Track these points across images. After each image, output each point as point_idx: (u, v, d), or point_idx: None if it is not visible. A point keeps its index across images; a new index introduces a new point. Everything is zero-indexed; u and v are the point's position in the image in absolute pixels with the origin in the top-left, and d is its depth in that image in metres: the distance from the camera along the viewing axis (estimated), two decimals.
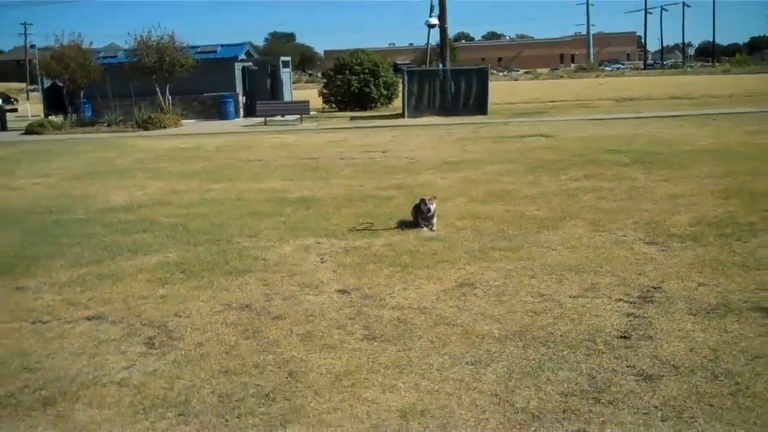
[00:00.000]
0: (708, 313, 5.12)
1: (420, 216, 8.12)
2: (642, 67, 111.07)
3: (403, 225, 8.28)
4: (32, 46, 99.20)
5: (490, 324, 5.04)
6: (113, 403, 4.03)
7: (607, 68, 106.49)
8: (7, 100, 55.31)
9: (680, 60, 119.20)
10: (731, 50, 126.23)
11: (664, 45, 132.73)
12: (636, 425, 3.57)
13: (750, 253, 6.62)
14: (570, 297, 5.58)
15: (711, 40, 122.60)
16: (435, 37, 37.43)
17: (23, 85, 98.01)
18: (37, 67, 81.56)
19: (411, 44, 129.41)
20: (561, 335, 4.80)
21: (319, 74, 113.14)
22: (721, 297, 5.44)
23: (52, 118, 30.66)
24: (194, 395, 4.08)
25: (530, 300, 5.55)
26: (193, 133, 25.04)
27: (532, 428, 3.59)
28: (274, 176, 13.17)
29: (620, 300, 5.47)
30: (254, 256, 7.18)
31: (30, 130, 28.01)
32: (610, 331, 4.84)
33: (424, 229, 8.03)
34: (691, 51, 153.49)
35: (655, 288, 5.73)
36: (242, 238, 8.01)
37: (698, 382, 4.02)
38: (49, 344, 4.99)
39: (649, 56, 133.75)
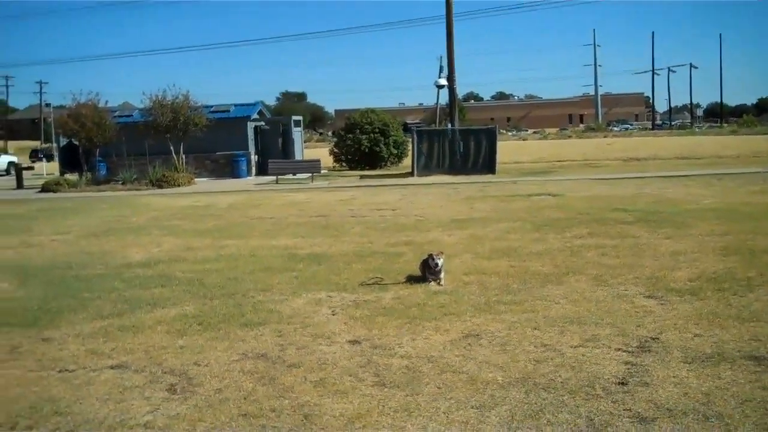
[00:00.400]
0: (703, 361, 5.38)
1: (428, 270, 8.42)
2: (650, 127, 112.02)
3: (412, 279, 8.58)
4: (47, 105, 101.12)
5: (494, 372, 5.31)
6: None
7: (616, 128, 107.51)
8: (50, 156, 55.76)
9: (688, 120, 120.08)
10: (739, 111, 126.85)
11: (673, 105, 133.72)
12: None
13: (746, 306, 6.89)
14: (571, 347, 5.85)
15: (718, 100, 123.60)
16: (444, 97, 38.17)
17: (37, 143, 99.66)
18: (52, 125, 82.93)
19: (421, 104, 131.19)
20: (562, 382, 5.05)
21: (330, 133, 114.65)
22: (715, 347, 5.70)
23: (67, 176, 31.26)
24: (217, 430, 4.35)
25: (533, 350, 5.81)
26: (206, 192, 25.52)
27: None
28: (286, 233, 13.51)
29: (619, 349, 5.73)
30: (268, 309, 7.47)
31: (46, 188, 28.58)
32: (608, 378, 5.10)
33: (432, 283, 8.32)
34: (699, 112, 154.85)
35: (653, 339, 5.99)
36: (256, 293, 8.31)
37: (690, 423, 4.27)
38: (76, 391, 5.27)
39: (658, 117, 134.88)
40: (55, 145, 39.77)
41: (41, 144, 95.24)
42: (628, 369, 5.28)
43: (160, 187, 27.83)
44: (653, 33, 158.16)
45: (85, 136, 29.96)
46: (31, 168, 36.72)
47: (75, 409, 4.91)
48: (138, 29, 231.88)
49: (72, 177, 30.66)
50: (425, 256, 8.60)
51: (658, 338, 6.00)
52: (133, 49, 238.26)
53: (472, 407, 4.66)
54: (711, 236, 11.15)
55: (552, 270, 9.02)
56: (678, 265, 8.96)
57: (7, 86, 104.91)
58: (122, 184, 29.02)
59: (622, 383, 5.00)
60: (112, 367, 5.78)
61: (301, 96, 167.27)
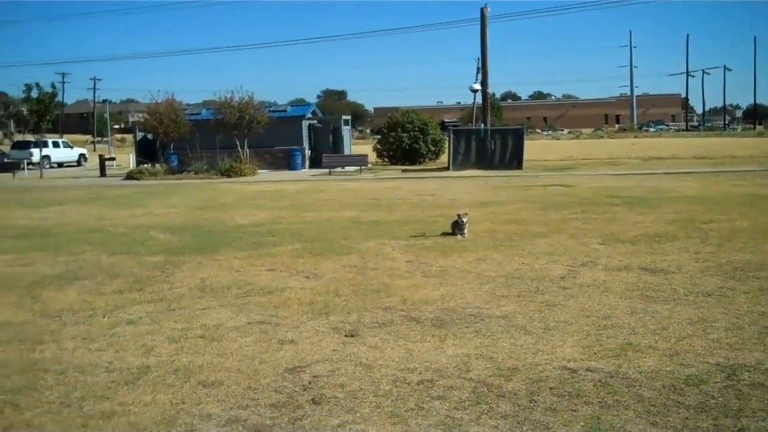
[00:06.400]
0: (613, 270, 9.24)
1: (456, 227, 12.34)
2: (684, 128, 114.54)
3: (445, 234, 12.51)
4: (104, 101, 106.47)
5: (490, 272, 9.24)
6: (302, 293, 8.30)
7: (651, 129, 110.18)
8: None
9: (720, 122, 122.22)
10: None
11: (712, 107, 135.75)
12: (551, 296, 7.71)
13: (659, 248, 10.71)
14: (539, 264, 9.75)
15: (757, 102, 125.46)
16: (480, 99, 41.97)
17: (87, 137, 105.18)
18: (108, 121, 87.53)
19: (458, 103, 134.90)
20: (527, 276, 8.96)
21: (368, 131, 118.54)
22: (624, 264, 9.56)
23: (144, 166, 35.64)
24: (340, 289, 8.36)
25: (516, 265, 9.73)
26: (270, 180, 29.67)
27: (503, 301, 7.74)
28: (349, 209, 17.52)
29: (567, 265, 9.62)
30: (351, 247, 11.46)
31: (130, 176, 33.01)
32: (555, 275, 8.99)
33: (459, 236, 12.23)
34: (738, 113, 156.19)
35: (591, 261, 9.85)
36: (340, 239, 12.32)
37: (589, 290, 8.15)
38: (251, 278, 9.27)
39: (695, 118, 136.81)
40: (133, 138, 43.56)
41: (93, 138, 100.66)
42: (569, 271, 9.18)
43: (229, 176, 32.04)
44: (687, 35, 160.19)
45: (163, 131, 34.32)
46: (113, 159, 41.20)
47: (255, 282, 8.93)
48: (186, 29, 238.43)
49: (149, 167, 35.00)
50: (455, 218, 12.53)
51: (594, 261, 9.86)
52: (181, 48, 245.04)
53: (476, 283, 8.60)
54: (671, 213, 14.90)
55: (544, 230, 12.90)
56: (633, 229, 12.79)
57: (63, 83, 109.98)
58: (195, 173, 33.31)
59: (562, 277, 8.88)
60: (266, 270, 9.80)
61: (342, 94, 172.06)
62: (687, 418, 4.56)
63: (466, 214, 12.57)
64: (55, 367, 5.81)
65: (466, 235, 12.27)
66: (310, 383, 5.31)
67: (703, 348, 5.94)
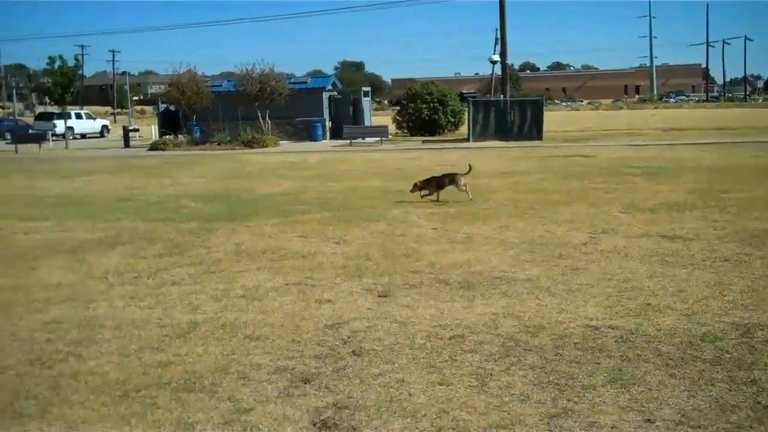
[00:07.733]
0: (633, 237, 9.55)
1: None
2: (705, 99, 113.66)
3: (464, 203, 12.83)
4: (123, 73, 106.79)
5: (514, 239, 9.57)
6: (333, 257, 8.67)
7: (672, 100, 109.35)
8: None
9: (741, 93, 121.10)
10: None
11: (734, 77, 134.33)
12: (573, 261, 8.05)
13: (678, 216, 11.00)
14: (562, 231, 10.07)
15: None
16: (499, 70, 42.06)
17: (107, 108, 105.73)
18: (128, 92, 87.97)
19: (476, 74, 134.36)
20: (550, 242, 9.29)
21: (386, 102, 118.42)
22: (644, 231, 9.87)
23: (167, 137, 36.06)
24: (370, 254, 8.73)
25: (539, 232, 10.05)
26: (292, 151, 30.02)
27: (527, 266, 8.08)
28: (373, 179, 17.86)
29: (589, 232, 9.94)
30: (377, 215, 11.82)
31: (154, 147, 33.46)
32: (577, 242, 9.31)
33: (468, 195, 12.58)
34: (760, 83, 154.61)
35: (612, 229, 10.16)
36: (366, 208, 12.68)
37: (610, 255, 8.48)
38: (284, 243, 9.65)
39: (716, 88, 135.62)
40: (156, 110, 44.11)
41: (113, 109, 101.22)
42: (590, 238, 9.50)
43: (251, 147, 32.43)
44: (708, 5, 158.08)
45: (186, 102, 34.69)
46: (136, 130, 41.57)
47: (288, 247, 9.31)
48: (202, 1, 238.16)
49: (173, 138, 35.43)
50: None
51: (615, 229, 10.17)
52: (198, 21, 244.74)
53: (500, 248, 8.94)
54: (690, 183, 15.15)
55: (565, 199, 13.20)
56: (653, 198, 13.06)
57: (82, 55, 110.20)
58: (218, 144, 33.73)
59: (584, 243, 9.20)
60: (297, 236, 10.18)
61: (359, 65, 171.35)
62: (703, 371, 4.90)
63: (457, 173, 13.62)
64: (109, 323, 6.23)
65: (470, 196, 12.79)
66: (349, 338, 5.70)
67: (719, 308, 6.27)
